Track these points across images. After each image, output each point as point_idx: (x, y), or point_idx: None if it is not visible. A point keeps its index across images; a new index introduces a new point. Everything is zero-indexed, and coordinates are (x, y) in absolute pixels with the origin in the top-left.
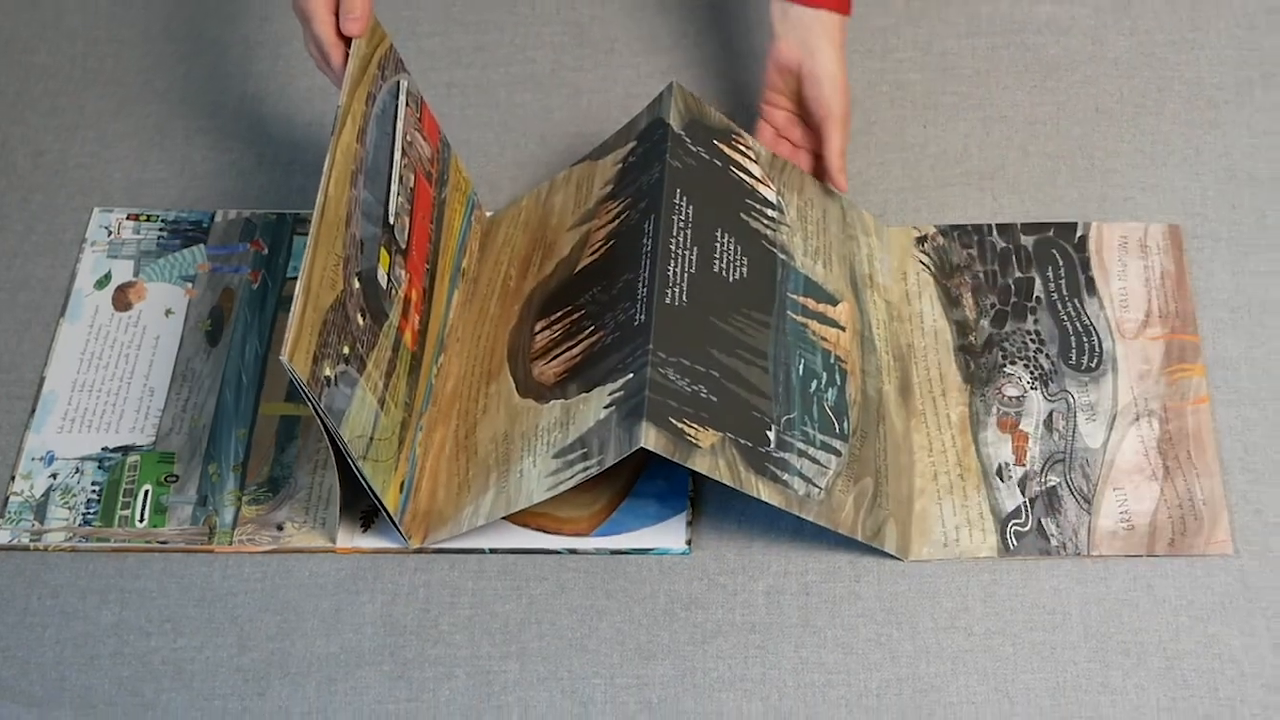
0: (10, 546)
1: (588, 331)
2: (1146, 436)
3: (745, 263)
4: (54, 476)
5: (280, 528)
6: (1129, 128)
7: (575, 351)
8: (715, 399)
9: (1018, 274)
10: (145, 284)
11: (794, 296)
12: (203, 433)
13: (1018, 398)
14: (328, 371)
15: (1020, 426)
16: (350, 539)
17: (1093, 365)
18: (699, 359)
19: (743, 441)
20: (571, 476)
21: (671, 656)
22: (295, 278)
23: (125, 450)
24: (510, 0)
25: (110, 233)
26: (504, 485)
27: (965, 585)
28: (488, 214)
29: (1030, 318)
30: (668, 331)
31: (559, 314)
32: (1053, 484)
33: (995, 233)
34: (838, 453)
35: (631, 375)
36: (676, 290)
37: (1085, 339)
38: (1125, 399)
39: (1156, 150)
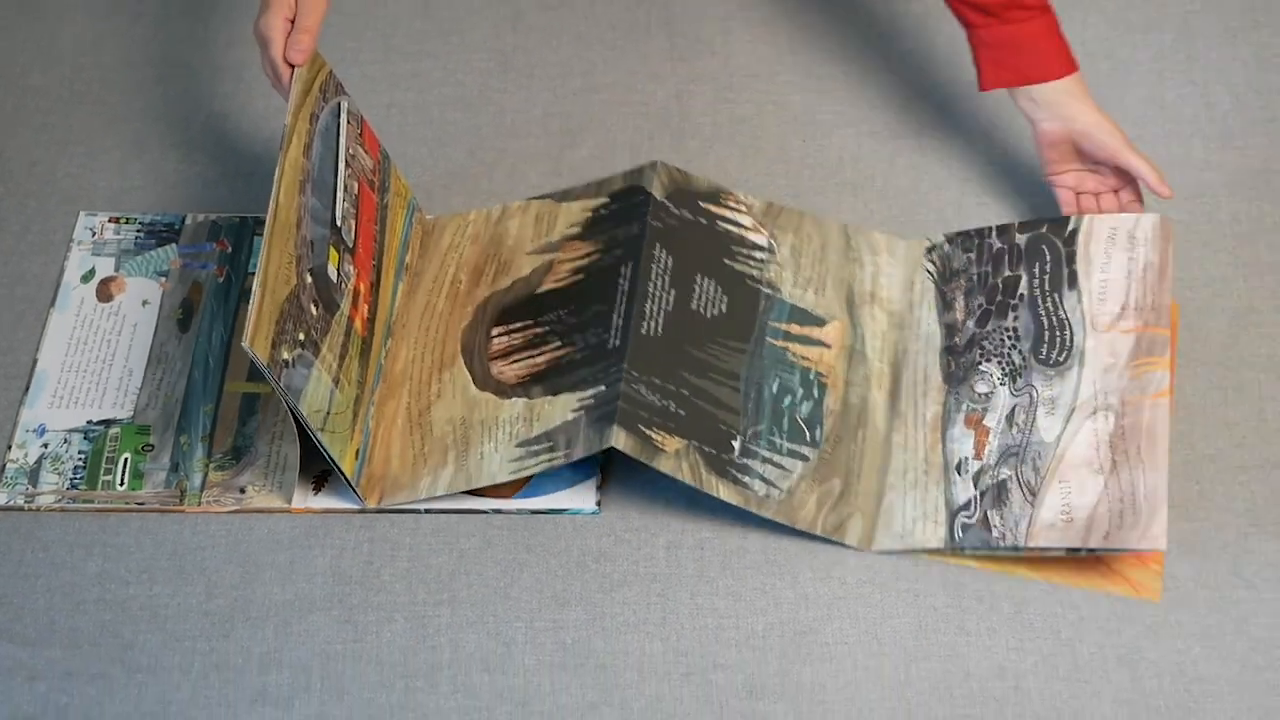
0: (7, 508)
1: (553, 345)
2: (1100, 430)
3: (725, 300)
4: (45, 446)
5: (242, 491)
6: (981, 141)
7: (539, 360)
8: (683, 412)
9: (1007, 272)
10: (125, 278)
11: (776, 324)
12: (175, 408)
13: (986, 394)
14: (285, 355)
15: (984, 422)
16: (304, 500)
17: (1061, 359)
18: (670, 379)
19: (707, 449)
20: (536, 465)
21: (583, 603)
22: (256, 273)
23: (107, 423)
24: (444, 32)
25: (94, 233)
26: (464, 463)
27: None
28: (428, 217)
29: (1011, 315)
30: (641, 355)
31: (519, 325)
32: (1004, 477)
33: (994, 234)
34: (805, 458)
35: (604, 387)
36: (652, 323)
37: (1059, 334)
38: (1086, 393)
39: (1006, 162)
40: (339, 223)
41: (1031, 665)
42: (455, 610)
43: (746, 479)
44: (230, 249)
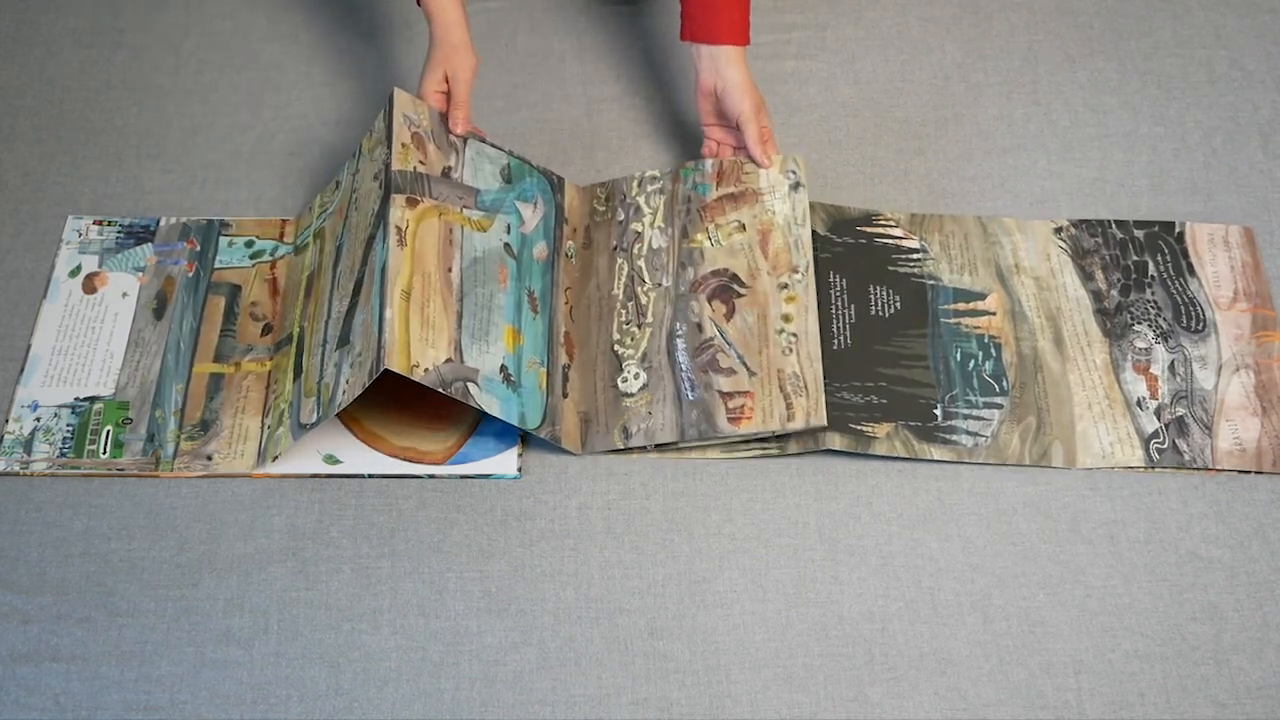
0: (4, 473)
1: None
2: (1246, 384)
3: (898, 299)
4: (38, 420)
5: (209, 458)
6: (854, 155)
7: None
8: (885, 401)
9: (1134, 258)
10: (107, 273)
11: (945, 307)
12: (151, 386)
13: (1146, 349)
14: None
15: (1151, 370)
16: (263, 466)
17: (1199, 328)
18: (867, 378)
19: (913, 423)
20: (751, 453)
21: (506, 556)
22: (221, 269)
23: (92, 399)
24: (388, 62)
25: (80, 234)
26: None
27: (729, 502)
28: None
29: (1148, 290)
30: (838, 368)
31: None
32: (1180, 414)
33: (1114, 226)
34: (1000, 406)
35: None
36: (841, 339)
37: (1191, 308)
38: (1227, 354)
39: (875, 172)
40: None
41: (896, 610)
42: (395, 562)
43: (954, 438)
44: (198, 247)
